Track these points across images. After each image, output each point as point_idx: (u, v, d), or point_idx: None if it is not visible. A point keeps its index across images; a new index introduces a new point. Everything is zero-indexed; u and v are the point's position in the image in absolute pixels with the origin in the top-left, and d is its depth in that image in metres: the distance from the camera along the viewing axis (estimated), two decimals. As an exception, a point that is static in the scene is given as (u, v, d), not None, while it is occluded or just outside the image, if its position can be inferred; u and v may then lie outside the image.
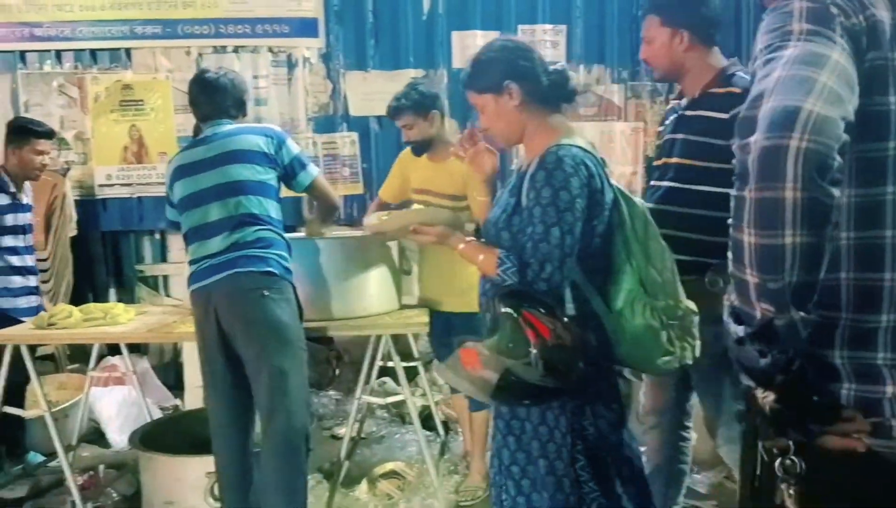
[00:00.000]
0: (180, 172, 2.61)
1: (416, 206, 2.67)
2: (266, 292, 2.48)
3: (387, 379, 4.32)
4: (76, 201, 4.78)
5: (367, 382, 3.23)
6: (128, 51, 4.88)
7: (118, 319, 3.03)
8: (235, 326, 2.50)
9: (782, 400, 1.11)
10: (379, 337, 3.10)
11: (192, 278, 2.57)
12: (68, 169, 4.84)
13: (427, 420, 3.87)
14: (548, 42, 5.01)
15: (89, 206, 4.87)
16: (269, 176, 2.60)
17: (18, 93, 4.83)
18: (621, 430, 1.86)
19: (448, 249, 3.07)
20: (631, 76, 4.97)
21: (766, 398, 1.12)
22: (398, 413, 4.27)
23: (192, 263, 2.60)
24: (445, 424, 4.01)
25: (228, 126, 2.63)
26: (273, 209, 2.60)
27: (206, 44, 4.87)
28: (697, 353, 1.80)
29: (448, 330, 3.09)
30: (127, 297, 4.85)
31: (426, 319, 2.96)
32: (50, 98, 4.85)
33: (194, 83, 2.70)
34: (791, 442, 1.12)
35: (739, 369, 1.16)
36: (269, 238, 2.55)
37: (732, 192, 1.12)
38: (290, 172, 2.65)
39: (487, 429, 3.40)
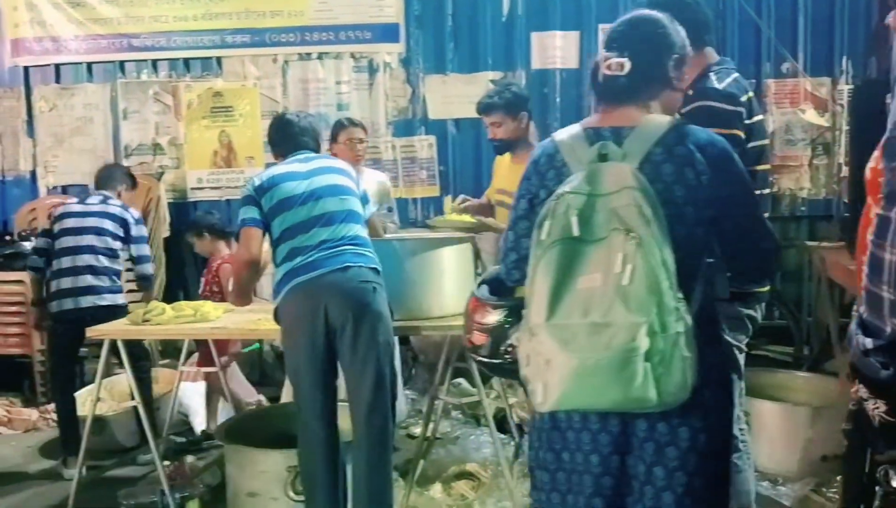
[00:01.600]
0: (285, 177, 2.69)
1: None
2: (377, 287, 2.58)
3: (461, 380, 4.32)
4: (169, 203, 5.00)
5: (441, 382, 3.25)
6: (219, 59, 5.07)
7: (207, 316, 3.16)
8: (348, 319, 2.53)
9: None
10: (455, 337, 3.10)
11: (292, 274, 2.56)
12: (163, 173, 5.07)
13: (501, 423, 3.85)
14: (629, 42, 4.91)
15: (181, 208, 5.07)
16: (357, 192, 2.77)
17: (118, 101, 5.09)
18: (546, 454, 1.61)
19: None
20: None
21: (877, 408, 1.11)
22: (473, 415, 4.27)
23: (287, 260, 2.60)
24: (520, 427, 3.96)
25: (314, 154, 2.82)
26: (363, 216, 2.75)
27: (291, 51, 5.00)
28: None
29: None
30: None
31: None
32: (146, 105, 5.10)
33: (275, 125, 2.90)
34: None
35: (859, 379, 1.16)
36: (365, 238, 2.69)
37: (877, 210, 1.14)
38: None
39: None
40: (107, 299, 3.64)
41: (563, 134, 1.62)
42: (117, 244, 3.73)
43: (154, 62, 5.12)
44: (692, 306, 1.44)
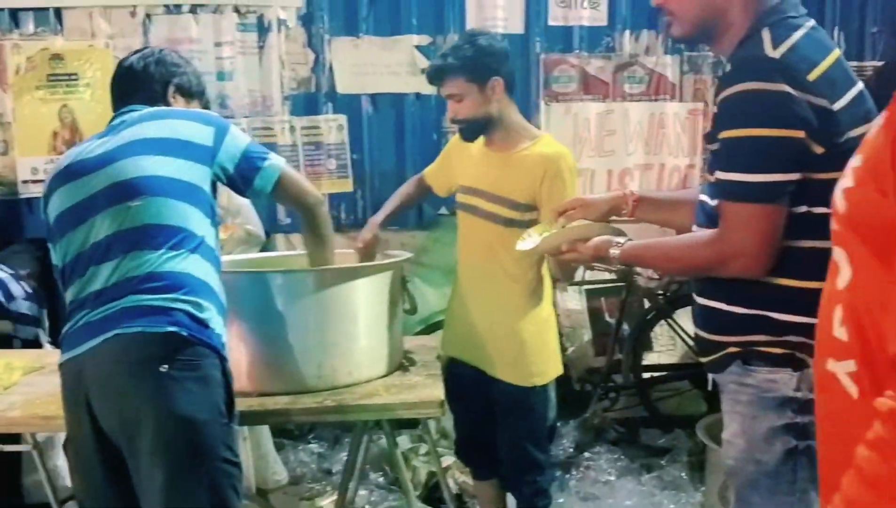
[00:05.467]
0: (60, 179, 1.78)
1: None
2: (165, 367, 1.59)
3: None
4: (-8, 201, 3.97)
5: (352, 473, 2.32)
6: (58, 11, 4.02)
7: (-11, 386, 2.10)
8: (115, 424, 1.64)
9: None
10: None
11: (63, 345, 1.74)
12: (-18, 161, 4.01)
13: (433, 492, 3.00)
14: (585, 2, 4.11)
15: (11, 207, 4.06)
16: (198, 173, 1.74)
17: (-80, 64, 3.93)
18: None
19: (496, 291, 2.24)
20: (689, 45, 4.05)
21: None
22: (397, 477, 3.36)
23: (68, 318, 1.75)
24: (459, 498, 3.09)
25: (140, 112, 1.83)
26: (199, 224, 1.72)
27: (155, 2, 4.01)
28: None
29: (482, 395, 2.37)
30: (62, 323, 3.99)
31: (441, 393, 2.02)
32: (-40, 71, 3.98)
33: (112, 78, 1.96)
34: None
35: None
36: (180, 272, 1.66)
37: None
38: (242, 173, 1.80)
39: None
40: None
41: None
42: None
43: (-30, 16, 4.01)
44: None
